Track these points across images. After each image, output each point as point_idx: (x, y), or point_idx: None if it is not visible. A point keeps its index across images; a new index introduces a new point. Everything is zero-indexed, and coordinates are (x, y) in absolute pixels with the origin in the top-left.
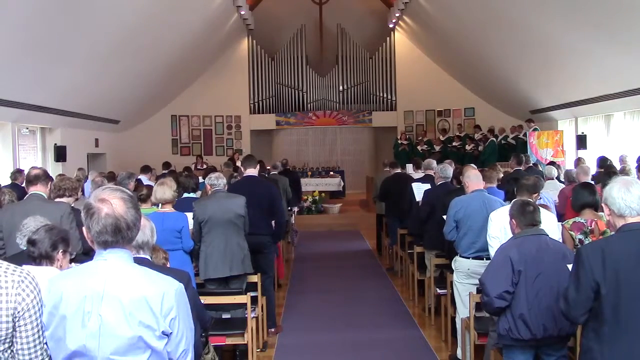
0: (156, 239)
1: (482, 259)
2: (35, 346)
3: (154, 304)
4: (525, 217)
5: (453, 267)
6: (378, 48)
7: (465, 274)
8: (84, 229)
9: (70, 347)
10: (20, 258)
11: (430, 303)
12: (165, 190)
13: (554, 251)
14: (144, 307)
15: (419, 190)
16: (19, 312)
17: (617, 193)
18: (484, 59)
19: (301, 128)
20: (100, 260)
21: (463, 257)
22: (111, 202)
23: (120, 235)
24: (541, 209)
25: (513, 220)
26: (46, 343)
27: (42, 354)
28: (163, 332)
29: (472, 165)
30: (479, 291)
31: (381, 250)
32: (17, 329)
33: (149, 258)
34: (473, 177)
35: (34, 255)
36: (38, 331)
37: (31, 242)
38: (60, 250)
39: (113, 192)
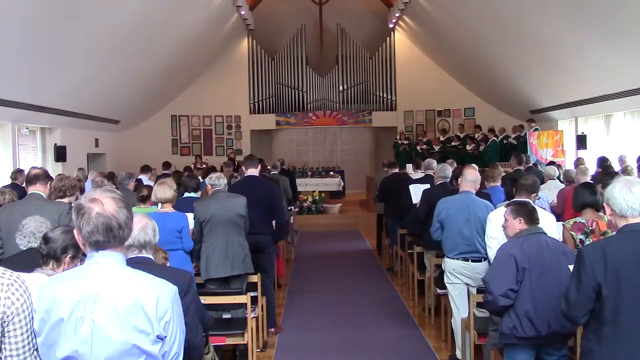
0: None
1: (467, 260)
2: (24, 352)
3: (148, 307)
4: (529, 215)
5: (442, 268)
6: (378, 48)
7: (452, 274)
8: (74, 230)
9: (63, 353)
10: (19, 259)
11: (430, 303)
12: (165, 189)
13: (554, 249)
14: (138, 311)
15: (417, 191)
16: (7, 316)
17: (619, 193)
18: (484, 59)
19: (301, 128)
20: (92, 263)
21: (449, 257)
22: (102, 202)
23: (111, 234)
24: (540, 209)
25: (520, 219)
26: (37, 349)
27: None
28: (158, 336)
29: (473, 165)
30: (479, 291)
31: (381, 250)
32: (6, 335)
33: (152, 258)
34: (468, 179)
35: (43, 252)
36: (28, 337)
37: (45, 239)
38: (69, 255)
39: (104, 192)
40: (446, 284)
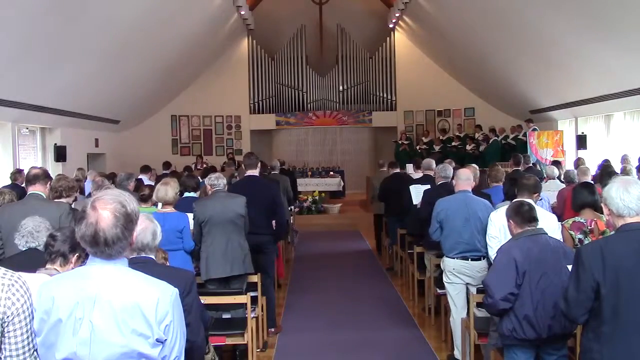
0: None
1: (467, 259)
2: (24, 352)
3: (147, 311)
4: (522, 216)
5: (442, 267)
6: (378, 48)
7: (452, 274)
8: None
9: (61, 355)
10: (19, 259)
11: (430, 303)
12: (167, 190)
13: (554, 249)
14: (137, 314)
15: (417, 192)
16: (8, 317)
17: (615, 193)
18: (484, 59)
19: (301, 128)
20: (93, 264)
21: (448, 257)
22: (100, 213)
23: (97, 248)
24: (541, 209)
25: (510, 221)
26: (37, 350)
27: None
28: (157, 340)
29: (474, 165)
30: (479, 291)
31: (381, 250)
32: (6, 335)
33: (153, 258)
34: (461, 178)
35: (51, 250)
36: (28, 337)
37: (52, 236)
38: (77, 254)
39: (109, 204)
40: (445, 284)
